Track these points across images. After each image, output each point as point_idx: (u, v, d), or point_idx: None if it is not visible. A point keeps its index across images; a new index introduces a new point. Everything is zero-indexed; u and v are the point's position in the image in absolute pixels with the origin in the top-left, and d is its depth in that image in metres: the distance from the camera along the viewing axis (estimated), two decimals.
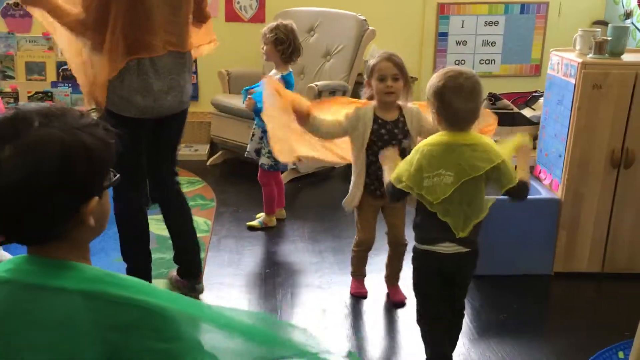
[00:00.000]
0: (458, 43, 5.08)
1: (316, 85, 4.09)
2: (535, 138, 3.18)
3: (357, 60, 4.31)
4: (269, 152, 3.11)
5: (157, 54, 2.26)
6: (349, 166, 2.65)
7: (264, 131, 3.08)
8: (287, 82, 3.10)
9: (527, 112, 3.27)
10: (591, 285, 2.91)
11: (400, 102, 2.47)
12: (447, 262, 2.01)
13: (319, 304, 2.68)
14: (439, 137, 1.96)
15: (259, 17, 4.81)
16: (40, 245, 0.96)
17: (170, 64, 2.32)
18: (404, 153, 2.26)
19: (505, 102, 3.23)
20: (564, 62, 2.86)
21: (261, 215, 3.46)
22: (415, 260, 2.09)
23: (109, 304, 0.91)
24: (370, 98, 2.49)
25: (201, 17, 2.45)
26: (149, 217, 3.42)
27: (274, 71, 3.24)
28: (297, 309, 2.66)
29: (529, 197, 2.93)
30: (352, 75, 4.32)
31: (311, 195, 4.11)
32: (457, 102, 1.89)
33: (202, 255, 3.02)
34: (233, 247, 3.18)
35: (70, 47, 2.39)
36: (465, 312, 2.24)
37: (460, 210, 1.94)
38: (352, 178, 2.54)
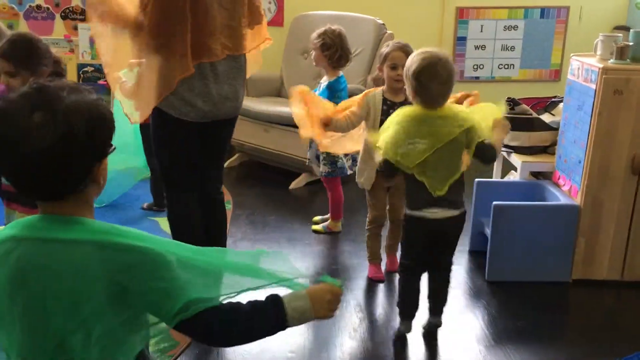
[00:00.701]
0: (477, 47, 5.05)
1: None
2: (553, 144, 3.15)
3: (374, 64, 4.31)
4: (325, 158, 3.21)
5: (217, 59, 2.25)
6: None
7: None
8: (332, 89, 3.10)
9: (546, 118, 3.23)
10: (610, 293, 2.87)
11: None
12: (434, 225, 2.24)
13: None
14: (413, 109, 2.19)
15: (277, 21, 4.83)
16: (57, 202, 1.07)
17: (228, 69, 2.31)
18: None
19: (524, 107, 3.20)
20: (584, 67, 2.83)
21: (319, 219, 3.47)
22: (405, 223, 2.33)
23: (116, 251, 1.04)
24: (377, 84, 2.75)
25: (255, 20, 2.42)
26: (163, 218, 3.47)
27: (324, 77, 3.22)
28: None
29: (547, 202, 2.94)
30: (370, 78, 4.31)
31: (327, 198, 4.10)
32: (432, 86, 2.12)
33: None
34: (250, 249, 3.18)
35: (116, 54, 2.33)
36: (450, 278, 2.43)
37: (435, 172, 2.16)
38: (360, 160, 2.83)
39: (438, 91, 2.14)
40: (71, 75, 4.85)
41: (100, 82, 4.61)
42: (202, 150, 2.46)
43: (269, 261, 1.20)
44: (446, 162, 2.17)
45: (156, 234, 3.26)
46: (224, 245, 2.64)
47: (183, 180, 2.47)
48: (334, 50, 3.08)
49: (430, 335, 2.48)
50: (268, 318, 1.13)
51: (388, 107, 2.65)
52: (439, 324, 2.47)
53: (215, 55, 2.24)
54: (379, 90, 2.71)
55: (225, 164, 4.48)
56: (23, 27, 4.87)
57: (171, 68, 2.20)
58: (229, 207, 3.71)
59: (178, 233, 2.50)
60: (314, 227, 3.45)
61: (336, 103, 2.83)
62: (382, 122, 2.52)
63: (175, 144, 2.39)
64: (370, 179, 2.77)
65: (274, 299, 1.14)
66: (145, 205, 3.65)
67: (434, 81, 2.12)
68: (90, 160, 1.07)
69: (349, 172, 3.28)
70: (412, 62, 2.16)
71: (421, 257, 2.37)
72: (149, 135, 3.54)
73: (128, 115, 2.55)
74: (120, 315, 1.05)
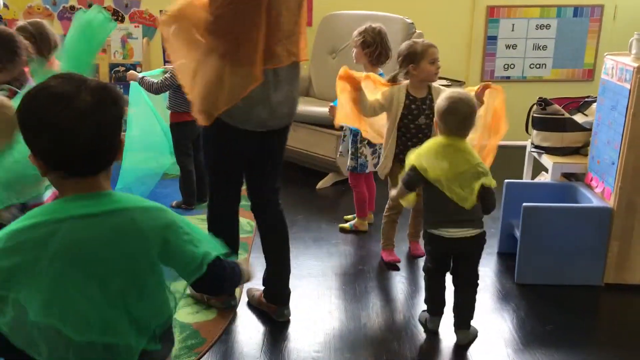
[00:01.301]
0: (508, 47, 4.99)
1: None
2: (586, 145, 3.09)
3: None
4: (353, 153, 3.29)
5: (282, 65, 2.17)
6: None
7: (355, 134, 3.25)
8: None
9: (578, 118, 3.16)
10: None
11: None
12: (452, 244, 2.32)
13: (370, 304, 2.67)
14: (440, 139, 2.32)
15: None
16: (91, 178, 1.17)
17: (287, 75, 2.24)
18: (420, 129, 2.84)
19: (556, 107, 3.14)
20: (618, 66, 2.76)
21: (351, 217, 3.49)
22: (425, 241, 2.43)
23: (157, 211, 1.21)
24: (394, 80, 2.89)
25: (305, 24, 2.34)
26: (192, 216, 3.50)
27: (363, 72, 3.21)
28: (339, 300, 2.65)
29: (579, 205, 2.88)
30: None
31: (346, 198, 4.09)
32: (453, 119, 2.28)
33: (245, 256, 3.05)
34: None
35: (189, 63, 2.19)
36: (478, 283, 2.43)
37: (461, 188, 2.25)
38: (384, 150, 2.92)
39: (458, 127, 2.29)
40: (103, 75, 4.95)
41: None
42: (258, 160, 2.39)
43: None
44: (465, 185, 2.26)
45: None
46: (287, 254, 2.56)
47: (230, 190, 2.43)
48: (374, 47, 3.12)
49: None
50: (237, 274, 1.36)
51: (410, 102, 2.82)
52: (468, 338, 2.41)
53: (280, 61, 2.15)
54: (402, 85, 2.84)
55: None
56: (57, 27, 4.96)
57: (240, 76, 2.10)
58: None
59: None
60: (341, 225, 3.46)
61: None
62: (403, 116, 2.81)
63: (228, 152, 2.32)
64: (386, 166, 2.92)
65: (236, 263, 1.38)
66: (174, 203, 3.69)
67: (454, 117, 2.27)
68: (120, 131, 1.19)
69: (368, 170, 3.31)
70: (439, 101, 2.35)
71: (445, 263, 2.41)
72: (179, 135, 3.63)
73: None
74: (165, 267, 1.22)
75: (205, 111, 2.16)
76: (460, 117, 2.27)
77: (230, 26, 2.05)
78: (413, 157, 2.33)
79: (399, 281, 2.90)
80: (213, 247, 1.27)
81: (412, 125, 2.84)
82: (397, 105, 2.82)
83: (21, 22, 2.94)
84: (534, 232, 2.81)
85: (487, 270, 2.98)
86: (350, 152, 3.33)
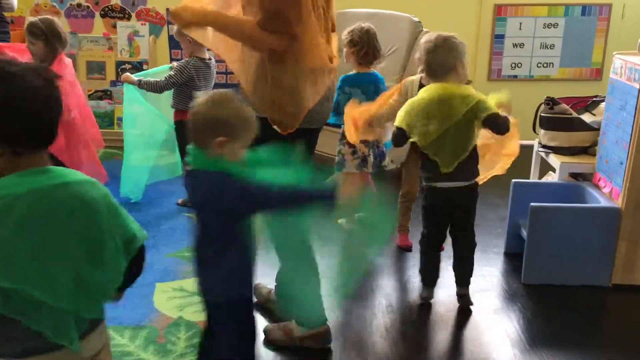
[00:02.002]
0: (515, 45, 4.96)
1: None
2: (594, 144, 3.07)
3: (410, 62, 4.27)
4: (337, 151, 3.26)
5: (327, 66, 2.09)
6: (400, 169, 3.20)
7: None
8: (344, 81, 3.11)
9: (586, 118, 3.14)
10: None
11: None
12: (446, 194, 2.48)
13: (386, 301, 2.66)
14: (428, 93, 2.41)
15: None
16: (40, 153, 1.25)
17: (321, 72, 2.12)
18: None
19: (564, 106, 3.12)
20: (627, 65, 2.74)
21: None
22: (424, 195, 2.58)
23: (93, 183, 1.30)
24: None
25: (333, 26, 2.25)
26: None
27: (353, 70, 3.21)
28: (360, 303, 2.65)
29: (587, 205, 2.87)
30: (405, 77, 4.27)
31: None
32: (430, 57, 2.39)
33: None
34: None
35: (250, 71, 2.07)
36: (476, 243, 2.61)
37: (446, 151, 2.40)
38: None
39: (436, 62, 2.39)
40: (110, 72, 4.95)
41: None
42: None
43: None
44: (455, 141, 2.39)
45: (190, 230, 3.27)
46: None
47: None
48: (360, 47, 3.09)
49: (464, 335, 2.45)
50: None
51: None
52: (469, 300, 2.63)
53: (332, 54, 2.09)
54: (416, 77, 2.91)
55: None
56: (64, 24, 4.97)
57: (317, 74, 2.02)
58: None
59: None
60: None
61: (345, 99, 2.98)
62: None
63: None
64: (401, 156, 3.06)
65: None
66: (180, 201, 3.69)
67: (432, 53, 2.39)
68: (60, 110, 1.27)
69: (350, 170, 3.17)
70: (425, 40, 2.47)
71: (440, 226, 2.58)
72: (183, 133, 3.61)
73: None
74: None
75: (290, 115, 2.03)
76: (439, 53, 2.38)
77: (288, 20, 1.90)
78: (402, 115, 2.44)
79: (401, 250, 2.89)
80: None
81: None
82: (411, 96, 2.78)
83: (32, 19, 2.96)
84: (541, 232, 2.79)
85: (494, 270, 2.97)
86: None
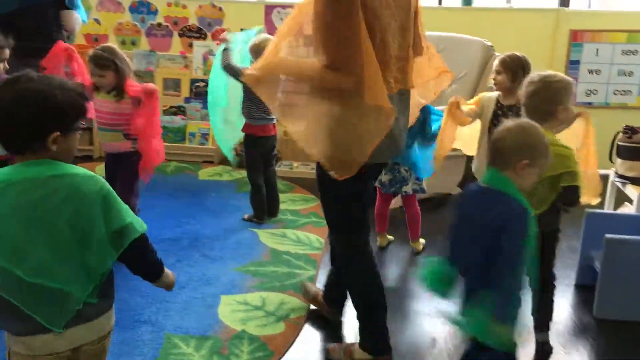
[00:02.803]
0: (590, 72, 4.82)
1: None
2: None
3: (480, 87, 4.22)
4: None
5: (391, 92, 2.01)
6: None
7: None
8: None
9: None
10: None
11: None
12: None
13: (429, 332, 2.62)
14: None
15: None
16: (25, 155, 1.40)
17: (399, 104, 2.07)
18: None
19: None
20: None
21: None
22: None
23: (90, 177, 1.43)
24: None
25: (417, 51, 2.20)
26: (262, 230, 3.56)
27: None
28: (406, 334, 2.61)
29: None
30: None
31: (425, 220, 4.04)
32: (529, 101, 2.27)
33: (314, 272, 3.07)
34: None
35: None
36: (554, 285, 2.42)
37: (531, 196, 2.10)
38: (476, 153, 3.08)
39: (533, 107, 2.27)
40: (184, 89, 5.13)
41: None
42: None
43: None
44: (538, 194, 2.18)
45: (255, 245, 3.34)
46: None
47: (363, 239, 2.27)
48: None
49: None
50: (159, 262, 1.58)
51: (498, 108, 2.97)
52: (549, 348, 2.44)
53: (390, 88, 2.00)
54: (494, 93, 3.00)
55: None
56: (144, 43, 5.21)
57: (375, 110, 1.93)
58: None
59: (368, 293, 2.31)
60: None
61: None
62: (493, 124, 2.91)
63: (354, 197, 2.17)
64: (481, 168, 3.05)
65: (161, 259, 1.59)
66: (246, 216, 3.76)
67: (531, 98, 2.27)
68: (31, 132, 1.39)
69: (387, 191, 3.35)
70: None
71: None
72: (250, 148, 3.70)
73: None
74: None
75: (349, 162, 1.98)
76: (539, 97, 2.25)
77: (343, 55, 1.87)
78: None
79: (425, 297, 2.82)
80: (142, 222, 1.49)
81: None
82: (487, 113, 3.00)
83: (93, 51, 2.94)
84: (616, 266, 2.68)
85: (564, 302, 2.86)
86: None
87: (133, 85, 3.00)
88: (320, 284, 2.98)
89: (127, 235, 1.44)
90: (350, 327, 2.59)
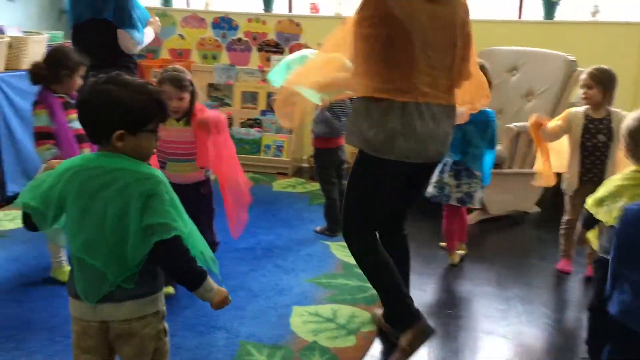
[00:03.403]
0: None
1: (515, 126, 3.96)
2: None
3: (561, 103, 4.09)
4: (437, 181, 3.30)
5: (417, 101, 2.17)
6: (542, 213, 3.56)
7: (443, 163, 3.30)
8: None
9: None
10: None
11: (609, 107, 3.13)
12: None
13: (503, 354, 2.55)
14: (631, 173, 2.15)
15: None
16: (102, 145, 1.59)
17: (434, 112, 2.22)
18: (598, 147, 3.09)
19: None
20: None
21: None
22: (595, 268, 2.33)
23: (144, 179, 1.54)
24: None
25: (462, 76, 2.32)
26: (334, 243, 3.58)
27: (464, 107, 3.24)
28: (479, 354, 2.55)
29: None
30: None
31: (500, 238, 3.95)
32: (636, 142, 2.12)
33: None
34: (415, 283, 3.15)
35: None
36: None
37: None
38: (568, 169, 3.20)
39: (636, 146, 2.13)
40: (261, 102, 5.27)
41: None
42: (403, 190, 2.43)
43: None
44: None
45: (327, 257, 3.36)
46: (406, 281, 2.57)
47: (367, 224, 2.43)
48: None
49: None
50: (196, 273, 1.61)
51: (588, 122, 3.09)
52: None
53: (415, 97, 2.16)
54: (582, 108, 3.09)
55: None
56: (224, 58, 5.39)
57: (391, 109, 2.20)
58: None
59: (377, 278, 2.43)
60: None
61: (459, 135, 3.10)
62: (584, 138, 3.09)
63: (368, 183, 2.35)
64: (572, 184, 3.19)
65: (204, 270, 1.63)
66: (318, 228, 3.80)
67: (632, 138, 2.13)
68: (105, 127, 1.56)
69: (453, 202, 3.32)
70: (627, 120, 2.19)
71: None
72: (323, 161, 3.74)
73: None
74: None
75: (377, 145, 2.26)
76: None
77: (368, 65, 2.18)
78: (591, 202, 2.22)
79: (499, 317, 2.73)
80: (178, 229, 1.54)
81: (589, 143, 3.11)
82: (575, 128, 3.10)
83: (168, 73, 2.75)
84: None
85: None
86: (435, 180, 3.30)
87: (202, 109, 2.82)
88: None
89: (156, 233, 1.51)
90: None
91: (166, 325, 1.73)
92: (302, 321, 2.69)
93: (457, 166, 3.26)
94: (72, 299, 1.62)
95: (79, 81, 2.85)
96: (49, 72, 2.77)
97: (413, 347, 2.33)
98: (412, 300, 2.38)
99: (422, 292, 3.06)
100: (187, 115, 2.76)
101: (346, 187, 2.46)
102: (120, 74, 1.60)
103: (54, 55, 2.82)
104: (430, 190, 3.34)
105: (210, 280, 1.63)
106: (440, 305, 2.96)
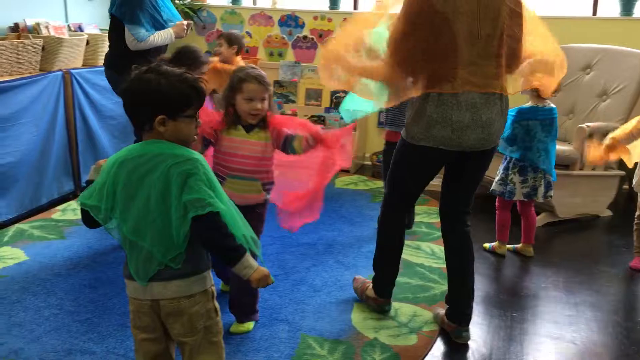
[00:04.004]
0: None
1: (587, 126, 3.83)
2: None
3: (638, 102, 3.92)
4: (502, 179, 3.37)
5: (454, 91, 2.23)
6: (614, 217, 3.71)
7: (507, 159, 3.37)
8: (520, 114, 3.22)
9: None
10: None
11: None
12: None
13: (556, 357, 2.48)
14: None
15: None
16: (145, 133, 1.67)
17: (475, 99, 2.26)
18: None
19: None
20: None
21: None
22: None
23: (183, 161, 1.61)
24: None
25: (514, 63, 2.35)
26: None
27: (529, 103, 3.29)
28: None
29: None
30: (631, 118, 3.93)
31: (569, 242, 3.82)
32: None
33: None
34: (480, 284, 3.11)
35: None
36: None
37: None
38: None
39: None
40: (325, 100, 5.30)
41: None
42: (451, 184, 2.55)
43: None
44: None
45: None
46: (469, 276, 2.57)
47: (405, 199, 2.65)
48: None
49: None
50: (233, 249, 1.63)
51: None
52: None
53: (453, 88, 2.23)
54: None
55: None
56: (290, 55, 5.45)
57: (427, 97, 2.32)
58: None
59: (381, 251, 2.73)
60: (484, 244, 3.56)
61: (522, 131, 3.22)
62: None
63: (406, 168, 2.52)
64: None
65: (242, 246, 1.65)
66: None
67: None
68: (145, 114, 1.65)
69: (519, 197, 3.34)
70: None
71: None
72: (389, 156, 3.71)
73: None
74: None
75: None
76: None
77: (400, 56, 2.27)
78: None
79: (567, 323, 2.63)
80: (214, 205, 1.58)
81: None
82: None
83: (253, 70, 2.49)
84: None
85: None
86: (500, 177, 3.38)
87: (278, 116, 2.47)
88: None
89: (192, 209, 1.57)
90: (476, 347, 2.52)
91: (217, 304, 1.77)
92: (363, 317, 2.69)
93: (521, 162, 3.29)
94: (127, 280, 1.71)
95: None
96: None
97: (366, 301, 2.77)
98: (391, 283, 2.73)
99: (486, 294, 3.01)
100: (263, 122, 2.39)
101: (390, 168, 2.60)
102: (160, 64, 1.69)
103: (177, 53, 3.14)
104: (494, 186, 3.40)
105: (249, 258, 1.65)
106: (504, 307, 2.89)
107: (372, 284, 2.78)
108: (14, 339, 2.46)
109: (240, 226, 1.66)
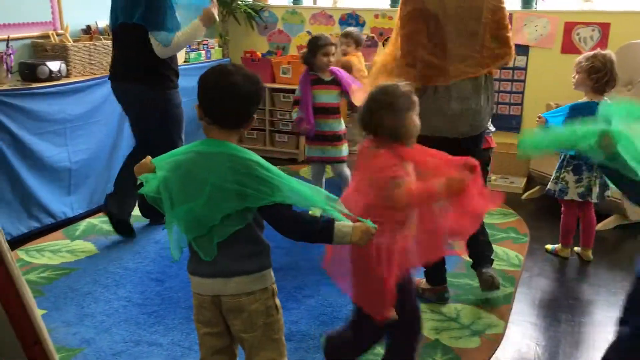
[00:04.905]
0: None
1: None
2: None
3: None
4: (556, 177, 3.28)
5: (446, 84, 2.52)
6: None
7: (562, 159, 3.27)
8: (574, 110, 3.02)
9: None
10: None
11: None
12: None
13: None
14: None
15: None
16: (226, 130, 1.70)
17: (466, 89, 2.56)
18: None
19: None
20: None
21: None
22: None
23: (243, 160, 1.64)
24: None
25: (503, 45, 2.60)
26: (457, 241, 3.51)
27: (584, 98, 3.17)
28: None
29: None
30: None
31: (625, 248, 3.67)
32: None
33: (511, 290, 2.95)
34: (545, 288, 3.03)
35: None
36: None
37: None
38: None
39: None
40: None
41: None
42: None
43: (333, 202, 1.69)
44: None
45: (450, 257, 3.29)
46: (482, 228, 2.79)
47: None
48: (603, 74, 3.05)
49: None
50: (317, 231, 1.65)
51: None
52: None
53: (447, 79, 2.52)
54: None
55: (524, 196, 4.37)
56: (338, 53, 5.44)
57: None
58: (525, 239, 3.58)
59: None
60: (547, 245, 3.50)
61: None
62: None
63: None
64: None
65: (329, 219, 1.65)
66: None
67: None
68: (251, 109, 1.70)
69: (573, 197, 3.23)
70: None
71: None
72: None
73: None
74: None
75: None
76: None
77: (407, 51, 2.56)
78: None
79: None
80: (286, 197, 1.60)
81: None
82: None
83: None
84: None
85: None
86: (554, 175, 3.31)
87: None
88: (517, 302, 2.87)
89: (248, 200, 1.61)
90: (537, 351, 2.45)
91: (278, 302, 1.79)
92: (424, 318, 2.65)
93: (576, 160, 3.19)
94: (190, 275, 1.76)
95: (324, 60, 3.47)
96: (307, 56, 3.55)
97: (422, 295, 2.83)
98: (442, 268, 2.82)
99: (546, 294, 2.94)
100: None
101: None
102: (235, 65, 1.75)
103: (309, 42, 3.56)
104: (549, 185, 3.34)
105: (340, 228, 1.65)
106: (563, 310, 2.81)
107: (424, 277, 2.85)
108: (86, 329, 2.57)
109: (318, 199, 1.65)
